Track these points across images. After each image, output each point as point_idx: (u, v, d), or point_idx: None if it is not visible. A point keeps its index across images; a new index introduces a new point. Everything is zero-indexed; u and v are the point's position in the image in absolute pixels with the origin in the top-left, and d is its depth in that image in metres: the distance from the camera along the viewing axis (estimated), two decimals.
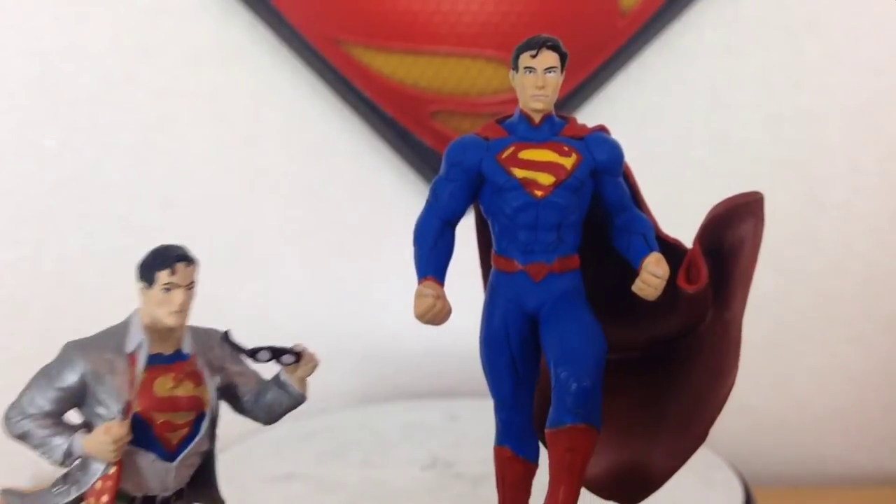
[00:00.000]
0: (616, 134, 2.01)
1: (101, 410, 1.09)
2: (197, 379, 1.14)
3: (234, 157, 2.15)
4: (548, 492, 1.17)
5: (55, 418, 1.11)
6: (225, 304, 2.14)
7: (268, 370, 1.20)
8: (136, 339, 1.12)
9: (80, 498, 1.10)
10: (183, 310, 1.11)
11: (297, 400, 1.18)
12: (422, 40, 2.04)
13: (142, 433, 1.10)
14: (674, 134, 2.14)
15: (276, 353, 1.14)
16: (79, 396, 1.10)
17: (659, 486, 1.27)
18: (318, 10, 2.05)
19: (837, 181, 2.14)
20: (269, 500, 1.69)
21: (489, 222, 1.23)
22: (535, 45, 1.19)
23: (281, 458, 1.85)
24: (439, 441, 1.88)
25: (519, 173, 1.19)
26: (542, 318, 1.20)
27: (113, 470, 1.09)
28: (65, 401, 1.10)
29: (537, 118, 1.21)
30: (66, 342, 1.11)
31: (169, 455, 1.12)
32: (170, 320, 1.11)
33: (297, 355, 1.15)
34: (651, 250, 1.19)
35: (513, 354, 1.21)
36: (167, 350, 1.13)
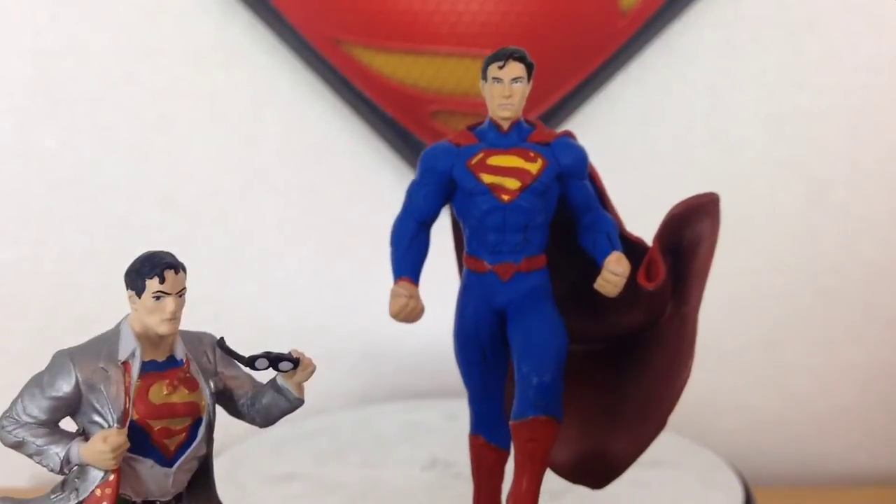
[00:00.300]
0: (616, 134, 2.04)
1: (97, 419, 1.09)
2: (192, 385, 1.13)
3: (234, 157, 2.15)
4: (513, 478, 1.27)
5: (50, 427, 1.10)
6: (224, 304, 2.14)
7: (263, 374, 1.20)
8: (129, 347, 1.11)
9: None
10: (175, 317, 1.10)
11: (295, 405, 1.17)
12: (422, 40, 2.04)
13: (139, 440, 1.09)
14: (674, 134, 2.14)
15: (274, 361, 1.14)
16: (73, 405, 1.10)
17: (622, 471, 1.36)
18: (318, 10, 2.04)
19: (837, 181, 2.14)
20: (269, 500, 1.70)
21: (461, 225, 1.31)
22: (503, 56, 1.25)
23: (281, 458, 1.85)
24: (439, 441, 1.89)
25: (487, 178, 1.26)
26: (510, 314, 1.28)
27: (112, 477, 1.09)
28: (58, 410, 1.10)
29: (505, 125, 1.28)
30: (56, 350, 1.11)
31: (167, 461, 1.12)
32: (162, 328, 1.10)
33: (295, 361, 1.15)
34: (613, 249, 1.26)
35: (483, 349, 1.29)
36: (160, 357, 1.12)
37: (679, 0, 2.05)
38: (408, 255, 1.29)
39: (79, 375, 1.09)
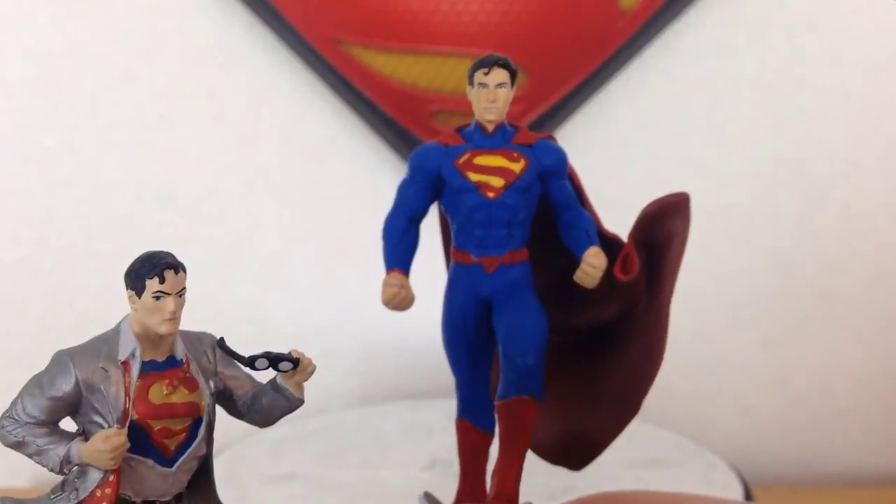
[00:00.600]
0: (616, 134, 2.05)
1: (97, 419, 1.09)
2: (192, 385, 1.13)
3: (234, 157, 2.15)
4: (498, 455, 1.35)
5: (50, 427, 1.10)
6: (224, 304, 2.14)
7: (263, 374, 1.21)
8: (129, 348, 1.11)
9: None
10: (175, 317, 1.10)
11: (295, 405, 1.17)
12: (422, 40, 2.04)
13: (140, 440, 1.09)
14: (674, 134, 2.14)
15: (274, 361, 1.14)
16: (73, 405, 1.10)
17: (599, 453, 1.43)
18: (318, 10, 2.04)
19: (837, 181, 2.14)
20: (269, 500, 1.70)
21: (449, 220, 1.39)
22: (488, 63, 1.34)
23: (281, 458, 1.85)
24: (439, 441, 1.88)
25: (474, 177, 1.34)
26: (495, 304, 1.35)
27: (112, 477, 1.09)
28: (58, 410, 1.10)
29: (490, 128, 1.35)
30: (56, 351, 1.11)
31: (167, 461, 1.12)
32: (162, 329, 1.10)
33: (295, 361, 1.15)
34: (591, 244, 1.34)
35: (470, 338, 1.37)
36: (160, 357, 1.12)
37: (679, 0, 2.05)
38: (398, 248, 1.37)
39: (79, 375, 1.09)
